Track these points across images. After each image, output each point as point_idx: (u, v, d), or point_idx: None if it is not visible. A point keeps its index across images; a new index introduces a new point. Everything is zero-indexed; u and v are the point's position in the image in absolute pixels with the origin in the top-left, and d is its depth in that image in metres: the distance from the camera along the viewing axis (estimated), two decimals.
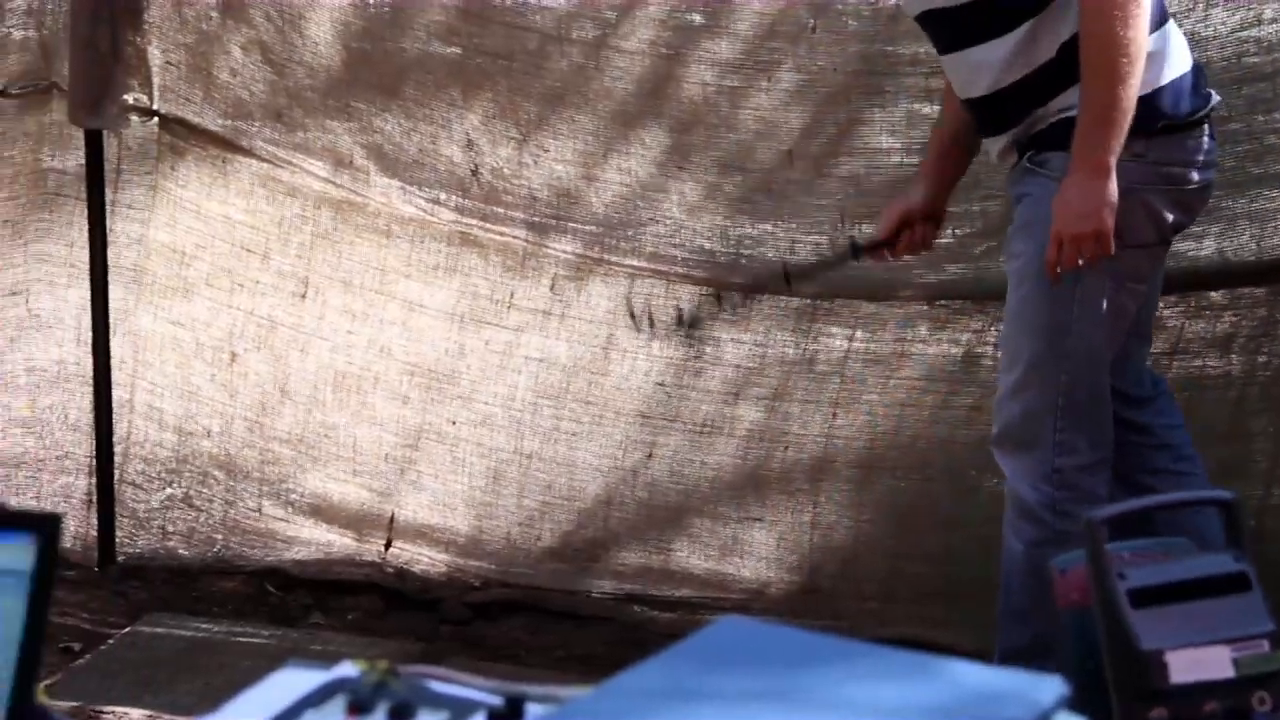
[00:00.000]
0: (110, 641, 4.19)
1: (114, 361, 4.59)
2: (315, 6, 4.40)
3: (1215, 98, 3.51)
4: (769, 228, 4.15)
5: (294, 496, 4.59)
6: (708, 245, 4.25)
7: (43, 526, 1.44)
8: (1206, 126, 3.47)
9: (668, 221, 4.29)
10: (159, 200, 4.61)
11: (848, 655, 1.50)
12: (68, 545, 4.59)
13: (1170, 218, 3.45)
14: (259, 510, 4.60)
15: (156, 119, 4.55)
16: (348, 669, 1.57)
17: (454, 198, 4.40)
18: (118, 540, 4.61)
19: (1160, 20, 3.40)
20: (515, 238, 4.41)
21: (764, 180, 4.21)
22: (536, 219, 4.39)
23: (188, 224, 4.61)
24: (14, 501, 4.63)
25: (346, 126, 4.45)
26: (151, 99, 4.53)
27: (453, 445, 4.53)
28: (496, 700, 1.45)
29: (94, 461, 4.62)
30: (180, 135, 4.56)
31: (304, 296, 4.56)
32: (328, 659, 1.67)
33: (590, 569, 4.39)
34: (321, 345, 4.57)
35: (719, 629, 1.52)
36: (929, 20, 3.48)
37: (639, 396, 4.37)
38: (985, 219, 4.02)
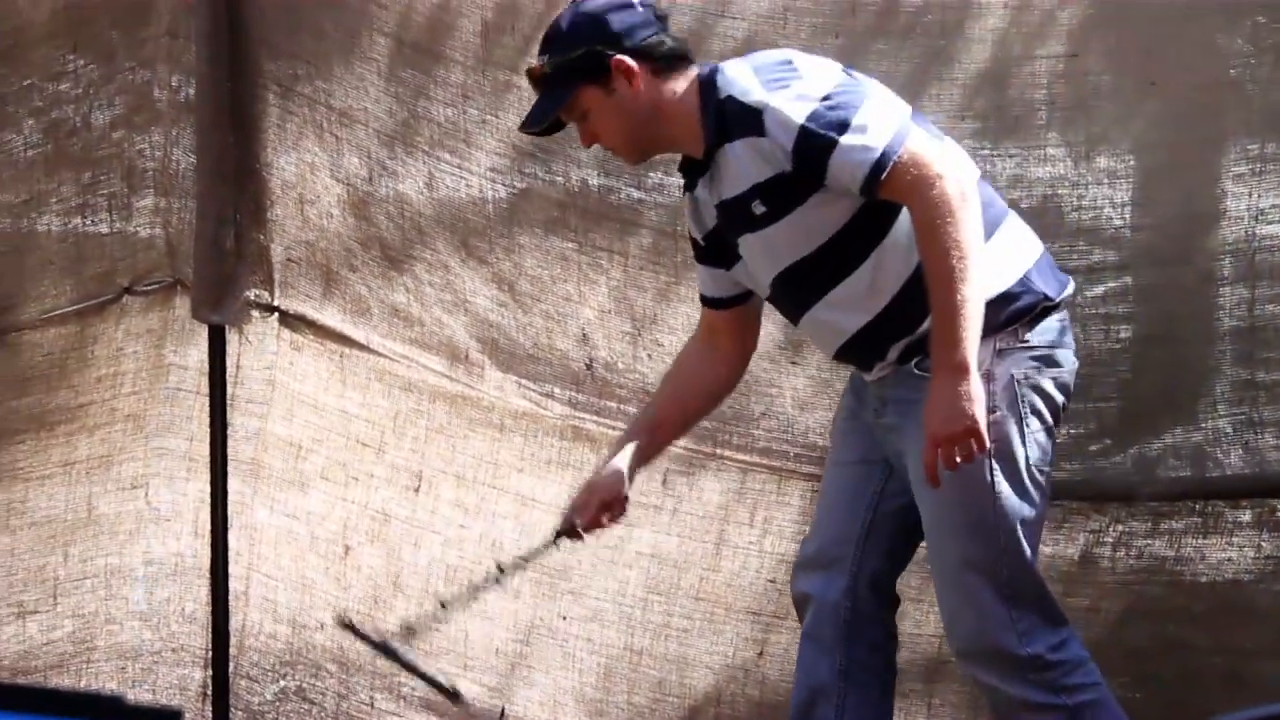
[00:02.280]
0: None
1: (230, 554, 4.62)
2: (433, 204, 4.48)
3: (1071, 283, 3.57)
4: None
5: (406, 690, 4.59)
6: (820, 441, 4.25)
7: None
8: (1067, 310, 3.54)
9: (780, 416, 4.29)
10: (277, 394, 4.67)
11: None
12: None
13: (1059, 399, 3.50)
14: (371, 704, 4.60)
15: (276, 314, 4.62)
16: None
17: (568, 391, 4.43)
18: None
19: (1001, 215, 3.47)
20: (621, 431, 4.42)
21: None
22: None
23: (304, 418, 4.66)
24: (131, 694, 4.65)
25: (462, 321, 4.50)
26: (272, 295, 4.60)
27: (563, 640, 4.51)
28: None
29: (209, 654, 4.64)
30: (299, 330, 4.63)
31: (417, 490, 4.59)
32: None
33: None
34: (434, 539, 4.58)
35: None
36: (783, 285, 3.51)
37: (750, 593, 4.35)
38: (1100, 419, 4.00)
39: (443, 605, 3.92)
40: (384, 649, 3.88)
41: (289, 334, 4.65)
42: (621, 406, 4.39)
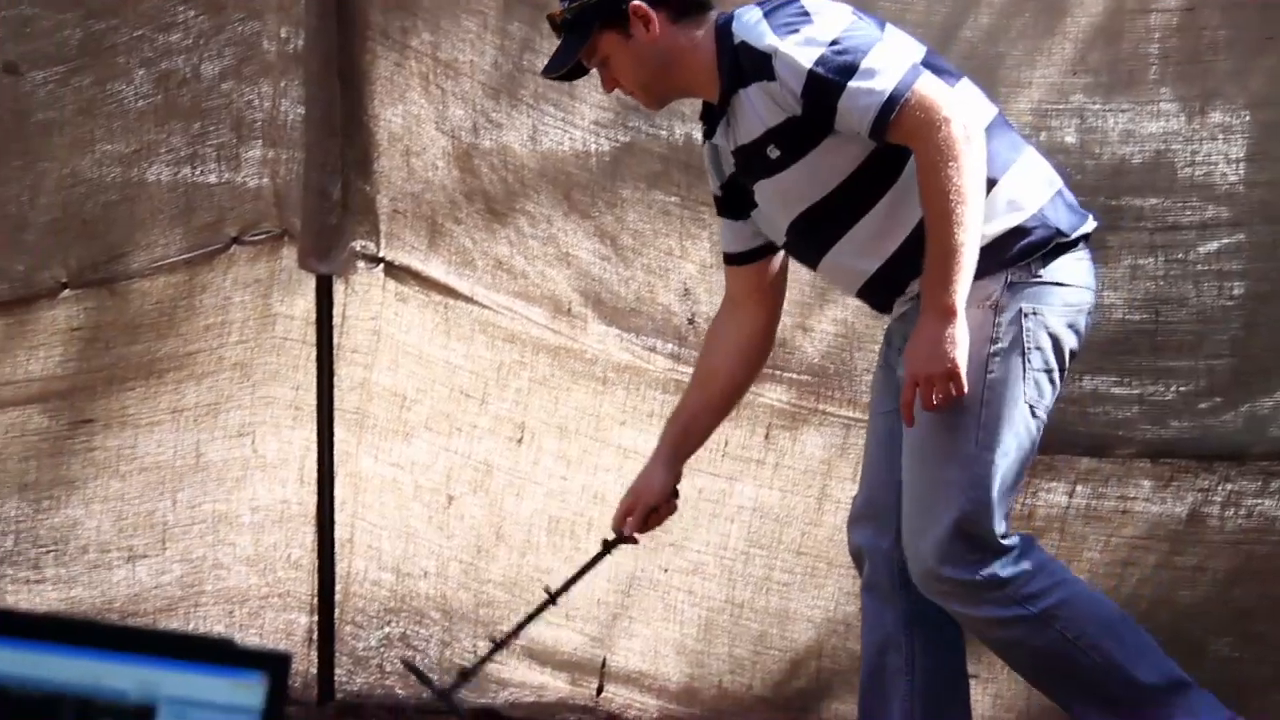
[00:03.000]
0: None
1: (335, 502, 4.66)
2: (536, 157, 4.48)
3: (1094, 219, 3.53)
4: None
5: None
6: None
7: (273, 665, 1.47)
8: (1089, 248, 3.51)
9: None
10: (382, 345, 4.69)
11: None
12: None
13: (1069, 342, 3.48)
14: (474, 652, 4.63)
15: (382, 265, 4.65)
16: None
17: (669, 345, 4.43)
18: (336, 678, 4.66)
19: (1016, 152, 3.46)
20: None
21: None
22: None
23: (409, 368, 4.69)
24: (237, 637, 4.71)
25: (565, 274, 4.51)
26: (378, 246, 4.63)
27: (664, 593, 4.52)
28: None
29: (315, 600, 4.69)
30: (404, 281, 4.66)
31: (520, 441, 4.61)
32: None
33: (802, 719, 4.35)
34: (536, 490, 4.60)
35: None
36: (799, 230, 3.51)
37: None
38: (1211, 377, 3.96)
39: (494, 641, 3.96)
40: (442, 694, 3.97)
41: (394, 285, 4.67)
42: None
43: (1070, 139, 4.04)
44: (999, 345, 3.41)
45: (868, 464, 3.69)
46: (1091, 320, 3.55)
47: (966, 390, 3.32)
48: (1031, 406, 3.45)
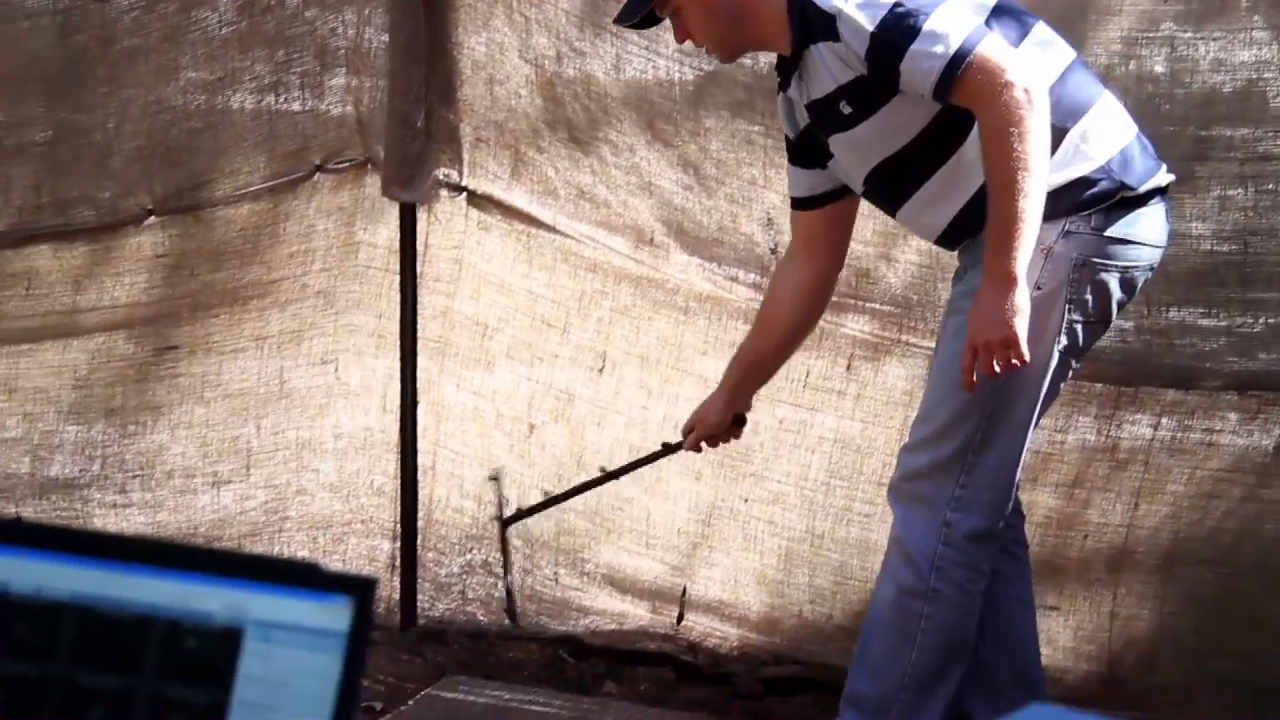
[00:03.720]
0: (410, 703, 4.25)
1: (418, 430, 4.69)
2: (620, 86, 4.46)
3: (1168, 173, 3.50)
4: None
5: (589, 567, 4.63)
6: None
7: (359, 589, 1.48)
8: (1162, 201, 3.49)
9: None
10: (464, 273, 4.70)
11: None
12: None
13: (1116, 295, 3.48)
14: (555, 579, 4.65)
15: (465, 194, 4.65)
16: None
17: (751, 275, 4.42)
18: (419, 604, 4.69)
19: (1089, 100, 3.44)
20: None
21: None
22: (834, 298, 4.38)
23: (491, 297, 4.69)
24: (321, 563, 4.74)
25: (648, 204, 4.50)
26: (461, 174, 4.63)
27: (745, 523, 4.53)
28: None
29: (397, 526, 4.72)
30: (487, 210, 4.66)
31: (601, 370, 4.61)
32: None
33: None
34: (617, 419, 4.61)
35: (1027, 715, 1.50)
36: (875, 183, 3.54)
37: None
38: None
39: (546, 495, 4.16)
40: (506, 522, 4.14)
41: (477, 213, 4.67)
42: None
43: (1159, 68, 3.99)
44: (1041, 290, 3.41)
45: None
46: (1153, 273, 3.54)
47: (1028, 360, 3.32)
48: (1062, 353, 3.47)
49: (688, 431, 3.93)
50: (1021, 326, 3.30)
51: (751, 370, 3.88)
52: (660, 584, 4.59)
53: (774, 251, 4.38)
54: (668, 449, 4.02)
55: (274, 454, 4.83)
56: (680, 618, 4.58)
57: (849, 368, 4.40)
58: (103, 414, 4.83)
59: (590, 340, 4.61)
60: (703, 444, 3.93)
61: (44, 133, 4.56)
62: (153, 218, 4.73)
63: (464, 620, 4.69)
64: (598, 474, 4.29)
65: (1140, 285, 3.53)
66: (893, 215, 3.62)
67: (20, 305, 4.75)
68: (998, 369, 3.32)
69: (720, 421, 3.89)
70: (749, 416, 3.96)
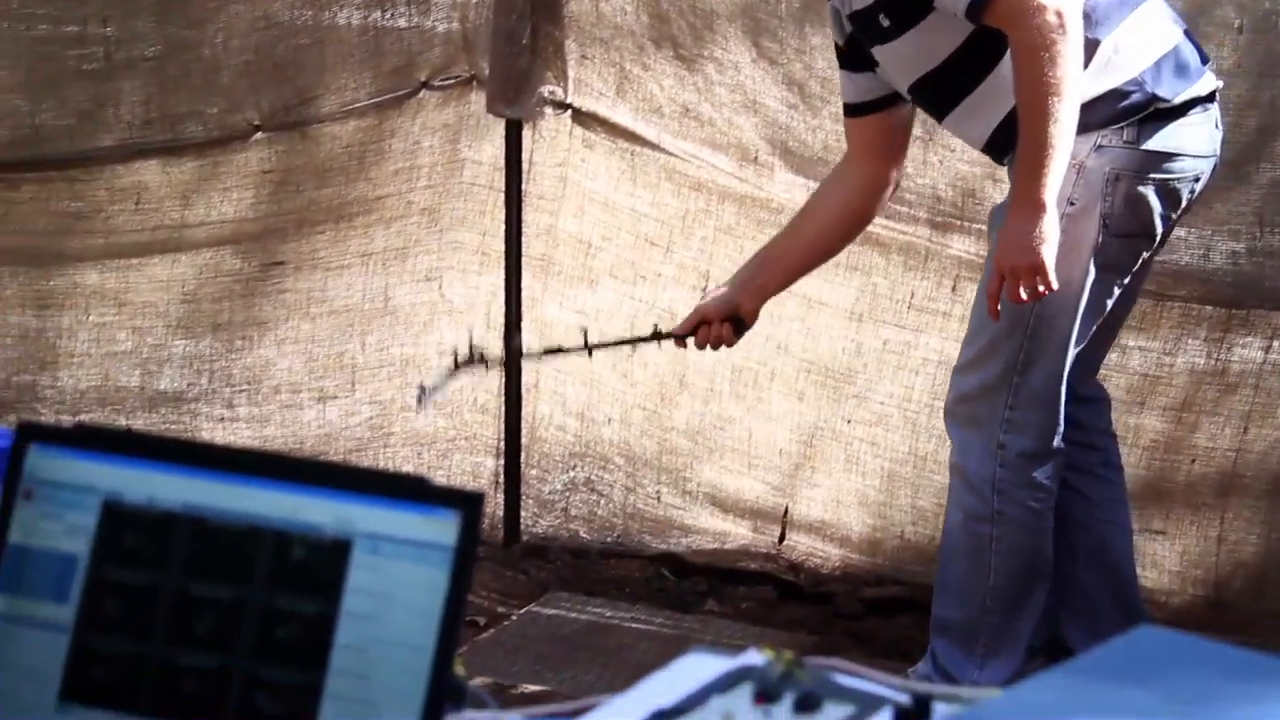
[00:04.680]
0: (512, 618, 4.28)
1: (522, 347, 4.70)
2: (724, 3, 4.44)
3: (1214, 80, 3.44)
4: (1181, 233, 4.05)
5: (691, 486, 4.64)
6: None
7: (467, 504, 1.49)
8: (1207, 111, 3.43)
9: None
10: (568, 191, 4.70)
11: (1267, 671, 1.46)
12: None
13: (1157, 208, 3.43)
14: (658, 498, 4.66)
15: (569, 111, 4.64)
16: (754, 657, 1.58)
17: None
18: (522, 520, 4.72)
19: (1125, 9, 3.39)
20: (918, 237, 4.37)
21: None
22: (939, 218, 4.35)
23: (595, 215, 4.69)
24: (428, 477, 4.77)
25: (752, 122, 4.47)
26: (566, 91, 4.62)
27: (847, 444, 4.52)
28: (904, 698, 1.45)
29: (501, 443, 4.74)
30: (591, 128, 4.65)
31: (704, 290, 4.61)
32: (722, 646, 1.68)
33: None
34: None
35: (1133, 639, 1.49)
36: (922, 89, 3.50)
37: None
38: None
39: (550, 350, 3.96)
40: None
41: (581, 131, 4.67)
42: (911, 211, 4.34)
43: None
44: (1074, 206, 3.39)
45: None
46: (1203, 184, 3.49)
47: (1055, 287, 3.30)
48: (1100, 270, 3.44)
49: (689, 326, 3.75)
50: (1049, 254, 3.28)
51: (770, 263, 3.75)
52: (762, 504, 4.59)
53: None
54: (658, 335, 3.78)
55: (379, 370, 4.86)
56: (782, 537, 4.58)
57: (954, 289, 4.37)
58: (210, 329, 4.87)
59: (693, 259, 4.60)
60: (695, 339, 3.72)
61: (153, 48, 4.58)
62: (259, 133, 4.75)
63: (566, 537, 4.71)
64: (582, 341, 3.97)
65: (1187, 196, 3.47)
66: (939, 121, 3.60)
67: (130, 220, 4.78)
68: (1024, 296, 3.31)
69: (719, 309, 3.71)
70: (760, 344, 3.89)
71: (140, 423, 4.80)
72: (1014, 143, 3.41)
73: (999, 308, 3.40)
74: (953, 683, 3.56)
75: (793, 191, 4.45)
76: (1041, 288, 3.30)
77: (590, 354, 3.87)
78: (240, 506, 1.49)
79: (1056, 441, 3.53)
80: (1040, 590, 3.60)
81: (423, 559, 1.46)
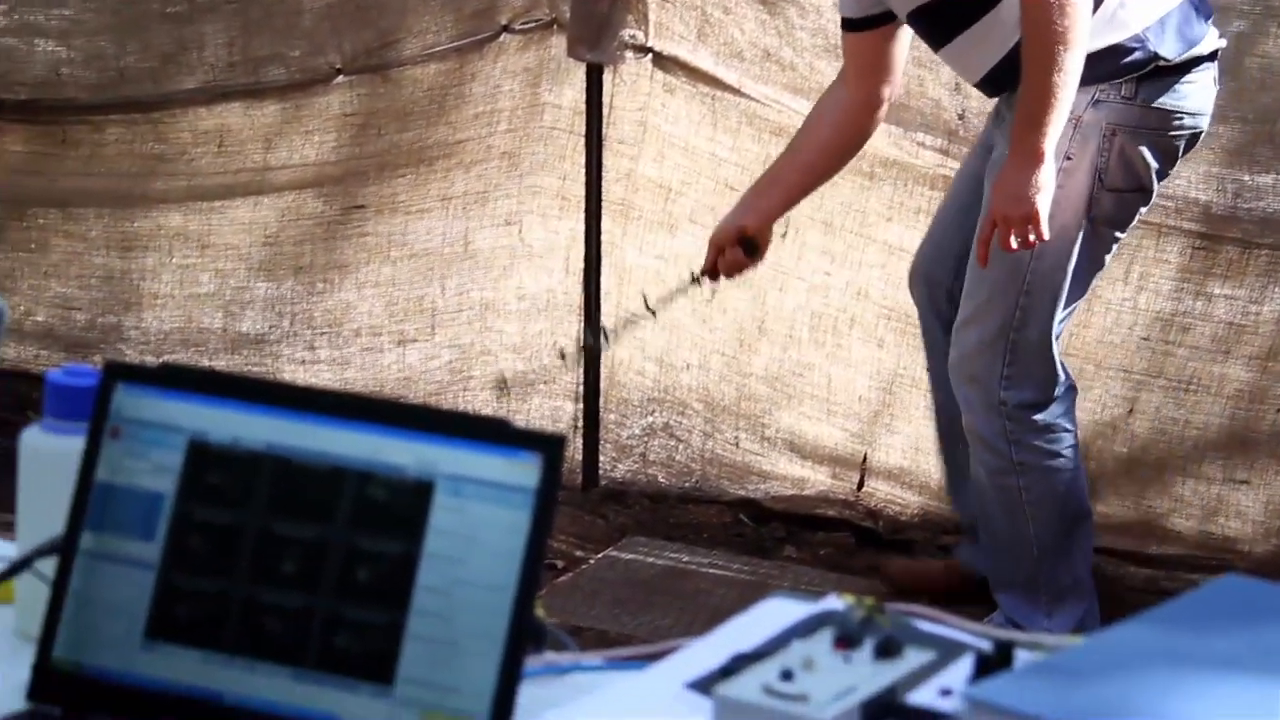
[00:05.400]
0: (590, 562, 4.30)
1: (601, 292, 4.70)
2: None
3: (1217, 38, 3.42)
4: (1269, 180, 4.00)
5: (770, 432, 4.64)
6: (1201, 197, 4.12)
7: (548, 446, 1.49)
8: (1206, 69, 3.42)
9: None
10: (648, 136, 4.69)
11: None
12: None
13: (1153, 164, 3.44)
14: (736, 443, 4.66)
15: (650, 55, 4.63)
16: (834, 602, 1.58)
17: (939, 140, 4.36)
18: (600, 465, 4.73)
19: None
20: None
21: (1265, 131, 4.06)
22: None
23: (675, 160, 4.68)
24: (510, 419, 4.78)
25: (834, 66, 4.45)
26: (646, 35, 4.60)
27: (926, 391, 4.49)
28: (985, 644, 1.44)
29: (580, 388, 4.75)
30: (672, 72, 4.63)
31: (784, 236, 4.58)
32: (800, 592, 1.68)
33: None
34: (799, 285, 4.59)
35: (1217, 588, 1.48)
36: (920, 18, 3.50)
37: (1122, 350, 4.27)
38: None
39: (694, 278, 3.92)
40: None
41: (662, 75, 4.65)
42: None
43: None
44: (1070, 161, 3.40)
45: (936, 220, 3.81)
46: (1196, 141, 3.52)
47: (1047, 238, 3.32)
48: (1094, 222, 3.46)
49: (711, 259, 3.80)
50: (1043, 204, 3.30)
51: (768, 187, 3.79)
52: (840, 450, 4.58)
53: (961, 117, 4.31)
54: (695, 279, 3.86)
55: (458, 314, 4.87)
56: (860, 484, 4.57)
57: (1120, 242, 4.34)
58: (292, 271, 4.89)
59: None
60: (718, 271, 3.77)
61: None
62: (341, 77, 4.76)
63: (644, 482, 4.72)
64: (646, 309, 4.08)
65: (1182, 152, 3.49)
66: (935, 51, 3.61)
67: (213, 162, 4.81)
68: (1015, 245, 3.34)
69: (727, 233, 3.75)
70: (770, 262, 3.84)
71: (222, 364, 4.83)
72: (1010, 82, 3.42)
73: (993, 261, 3.43)
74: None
75: (874, 136, 4.42)
76: (1033, 237, 3.33)
77: (654, 315, 3.93)
78: (323, 447, 1.50)
79: (1058, 390, 3.58)
80: (1084, 528, 3.65)
81: (504, 501, 1.47)
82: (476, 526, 1.47)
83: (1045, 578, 3.63)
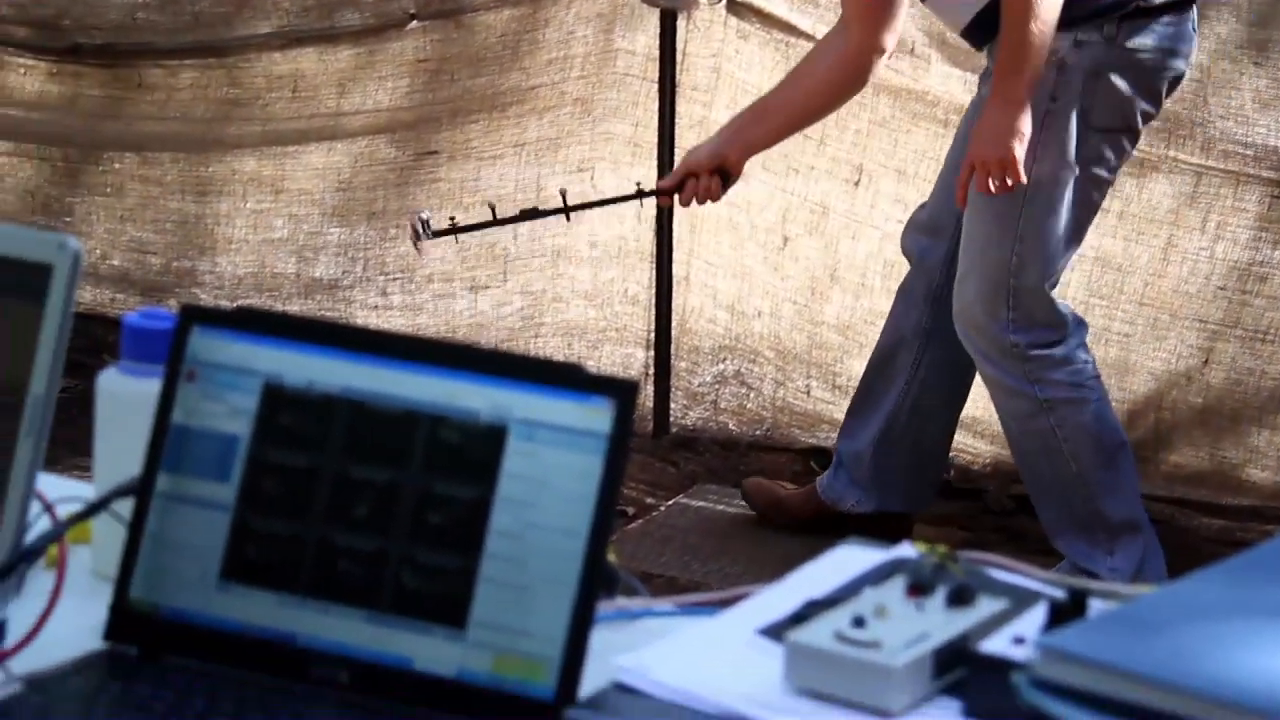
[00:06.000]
0: (661, 509, 4.31)
1: (673, 240, 4.70)
2: None
3: None
4: None
5: (841, 380, 4.62)
6: None
7: (621, 392, 1.48)
8: (1186, 14, 3.45)
9: (1238, 117, 4.13)
10: (722, 83, 4.67)
11: None
12: None
13: (1138, 104, 3.47)
14: (807, 392, 4.66)
15: (724, 2, 4.61)
16: (907, 550, 1.58)
17: None
18: (671, 412, 4.73)
19: None
20: None
21: None
22: None
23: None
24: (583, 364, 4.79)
25: (910, 13, 4.41)
26: None
27: None
28: (1059, 593, 1.44)
29: (651, 335, 4.75)
30: (746, 18, 4.62)
31: (857, 184, 4.57)
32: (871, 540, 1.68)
33: (1139, 470, 4.29)
34: (872, 233, 4.57)
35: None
36: None
37: (1199, 300, 4.24)
38: None
39: (493, 211, 3.89)
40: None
41: (735, 21, 4.63)
42: None
43: None
44: (1056, 104, 3.44)
45: (941, 176, 3.82)
46: (1178, 85, 3.55)
47: (1025, 181, 3.38)
48: (1085, 165, 3.49)
49: (676, 179, 3.76)
50: (1020, 149, 3.37)
51: (756, 120, 3.79)
52: None
53: None
54: (641, 193, 3.82)
55: (530, 261, 4.88)
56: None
57: (1123, 186, 4.31)
58: (365, 217, 4.91)
59: (846, 152, 4.57)
60: (681, 194, 3.74)
61: None
62: (415, 22, 4.76)
63: (715, 429, 4.72)
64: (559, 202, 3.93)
65: (1167, 91, 3.52)
66: (922, 2, 3.66)
67: (287, 108, 4.83)
68: (993, 188, 3.40)
69: (703, 160, 3.72)
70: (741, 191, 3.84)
71: (295, 309, 4.86)
72: (993, 33, 3.45)
73: (986, 210, 3.49)
74: (1094, 578, 3.57)
75: (949, 84, 4.40)
76: (1010, 180, 3.39)
77: (568, 217, 3.88)
78: (397, 391, 1.50)
79: (1068, 326, 3.63)
80: (1124, 458, 3.69)
81: (577, 446, 1.47)
82: (549, 471, 1.47)
83: (1098, 516, 3.66)
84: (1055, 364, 3.62)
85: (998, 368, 3.64)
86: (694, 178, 3.73)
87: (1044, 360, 3.61)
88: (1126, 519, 3.68)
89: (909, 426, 3.89)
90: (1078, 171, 3.51)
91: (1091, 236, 4.33)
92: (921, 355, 3.86)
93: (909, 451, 3.92)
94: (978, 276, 3.60)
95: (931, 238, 3.81)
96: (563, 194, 3.83)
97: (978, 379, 3.83)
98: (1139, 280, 4.31)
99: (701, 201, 3.77)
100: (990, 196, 3.47)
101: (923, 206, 3.90)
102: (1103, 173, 3.56)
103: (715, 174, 3.73)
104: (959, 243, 3.69)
